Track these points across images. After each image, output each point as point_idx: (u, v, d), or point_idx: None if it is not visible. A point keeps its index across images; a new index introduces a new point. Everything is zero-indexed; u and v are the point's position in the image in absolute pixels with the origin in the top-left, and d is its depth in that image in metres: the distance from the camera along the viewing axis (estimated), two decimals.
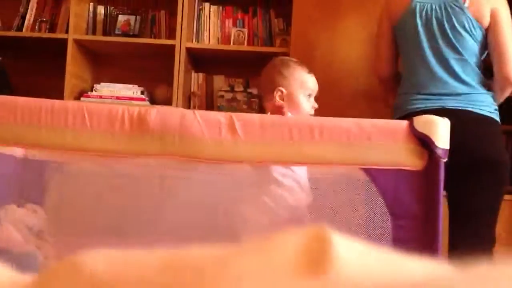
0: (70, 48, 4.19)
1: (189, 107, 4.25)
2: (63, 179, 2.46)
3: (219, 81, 4.45)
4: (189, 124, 2.02)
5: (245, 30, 4.39)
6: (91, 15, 4.51)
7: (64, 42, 4.21)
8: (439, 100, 2.83)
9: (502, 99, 2.96)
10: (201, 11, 4.41)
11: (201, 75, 4.43)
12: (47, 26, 4.43)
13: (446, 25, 2.88)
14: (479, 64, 2.92)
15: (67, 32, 4.27)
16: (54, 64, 4.34)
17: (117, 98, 4.22)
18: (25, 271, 0.63)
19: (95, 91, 4.27)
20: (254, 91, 4.29)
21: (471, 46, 2.88)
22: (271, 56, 2.84)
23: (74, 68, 4.23)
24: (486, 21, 2.86)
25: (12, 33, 4.39)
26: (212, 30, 4.41)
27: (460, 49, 2.87)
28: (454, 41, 2.87)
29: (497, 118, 2.85)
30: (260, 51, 4.22)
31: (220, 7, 4.45)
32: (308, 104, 2.45)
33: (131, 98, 4.23)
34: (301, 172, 2.30)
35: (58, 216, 2.45)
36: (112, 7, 4.56)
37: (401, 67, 3.09)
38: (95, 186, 2.46)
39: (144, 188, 2.44)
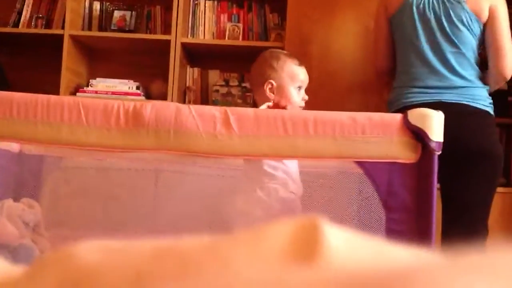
0: (66, 44, 4.19)
1: (184, 102, 4.26)
2: (59, 174, 2.46)
3: (214, 76, 4.45)
4: (184, 118, 2.03)
5: (240, 25, 4.39)
6: (87, 10, 4.52)
7: (60, 38, 4.21)
8: (436, 93, 2.84)
9: (493, 90, 2.98)
10: (196, 6, 4.41)
11: (196, 69, 4.43)
12: (43, 22, 4.43)
13: (444, 19, 2.88)
14: (476, 58, 2.93)
15: (63, 28, 4.27)
16: (50, 59, 4.35)
17: (113, 93, 4.22)
18: (21, 265, 0.63)
19: (91, 86, 4.28)
20: (249, 85, 4.29)
21: (469, 40, 2.89)
22: None
23: (70, 63, 4.23)
24: (485, 16, 2.88)
25: (8, 29, 4.39)
26: (207, 25, 4.41)
27: (458, 43, 2.88)
28: (451, 34, 2.88)
29: (492, 112, 2.87)
30: (255, 45, 4.21)
31: (215, 2, 4.45)
32: (298, 97, 2.44)
33: (126, 93, 4.23)
34: (291, 164, 2.30)
35: (55, 210, 2.46)
36: (108, 3, 4.56)
37: (396, 60, 3.09)
38: (91, 181, 2.46)
39: (139, 182, 2.45)
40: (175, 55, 4.14)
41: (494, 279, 0.34)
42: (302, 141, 2.01)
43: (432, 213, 1.94)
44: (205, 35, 4.39)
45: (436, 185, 1.98)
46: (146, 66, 4.50)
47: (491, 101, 2.90)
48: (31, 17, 4.43)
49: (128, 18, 4.45)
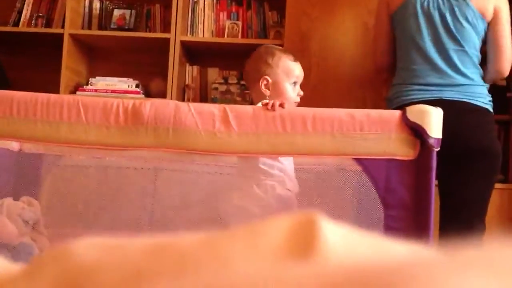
0: (66, 43, 4.20)
1: (183, 100, 4.25)
2: (59, 172, 2.46)
3: (213, 74, 4.44)
4: (183, 116, 2.03)
5: (239, 23, 4.39)
6: (86, 9, 4.52)
7: (60, 36, 4.21)
8: (437, 90, 2.84)
9: (488, 84, 3.00)
10: (195, 4, 4.41)
11: (195, 67, 4.42)
12: (43, 21, 4.43)
13: (448, 15, 2.88)
14: (478, 56, 2.93)
15: (63, 27, 4.27)
16: (50, 58, 4.35)
17: (113, 91, 4.22)
18: (21, 264, 0.64)
19: (91, 84, 4.27)
20: (244, 82, 4.28)
21: (472, 38, 2.89)
22: None
23: (70, 62, 4.23)
24: (489, 16, 2.89)
25: (8, 28, 4.39)
26: (207, 23, 4.40)
27: (461, 41, 2.88)
28: (455, 32, 2.88)
29: (491, 109, 2.88)
30: (254, 43, 4.19)
31: (214, 0, 4.44)
32: (293, 92, 2.42)
33: (126, 91, 4.23)
34: (287, 162, 2.30)
35: (54, 209, 2.46)
36: (108, 2, 4.55)
37: (397, 57, 3.09)
38: (90, 179, 2.47)
39: (138, 180, 2.45)
40: (175, 53, 4.14)
41: (491, 274, 0.34)
42: (301, 138, 2.01)
43: (430, 209, 1.95)
44: (204, 33, 4.39)
45: (434, 182, 1.98)
46: (146, 64, 4.50)
47: (491, 98, 2.90)
48: (31, 16, 4.43)
49: (127, 17, 4.45)
